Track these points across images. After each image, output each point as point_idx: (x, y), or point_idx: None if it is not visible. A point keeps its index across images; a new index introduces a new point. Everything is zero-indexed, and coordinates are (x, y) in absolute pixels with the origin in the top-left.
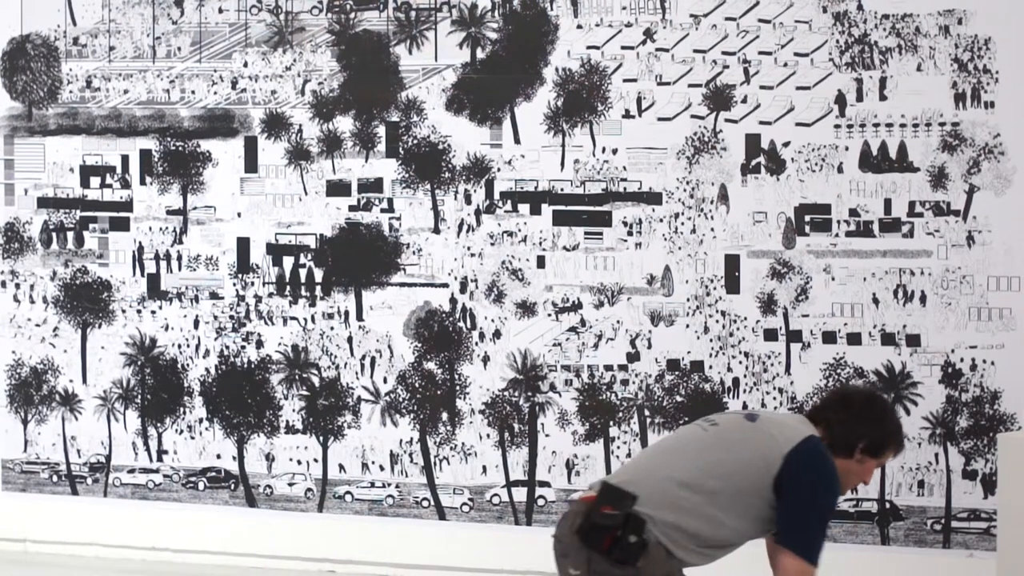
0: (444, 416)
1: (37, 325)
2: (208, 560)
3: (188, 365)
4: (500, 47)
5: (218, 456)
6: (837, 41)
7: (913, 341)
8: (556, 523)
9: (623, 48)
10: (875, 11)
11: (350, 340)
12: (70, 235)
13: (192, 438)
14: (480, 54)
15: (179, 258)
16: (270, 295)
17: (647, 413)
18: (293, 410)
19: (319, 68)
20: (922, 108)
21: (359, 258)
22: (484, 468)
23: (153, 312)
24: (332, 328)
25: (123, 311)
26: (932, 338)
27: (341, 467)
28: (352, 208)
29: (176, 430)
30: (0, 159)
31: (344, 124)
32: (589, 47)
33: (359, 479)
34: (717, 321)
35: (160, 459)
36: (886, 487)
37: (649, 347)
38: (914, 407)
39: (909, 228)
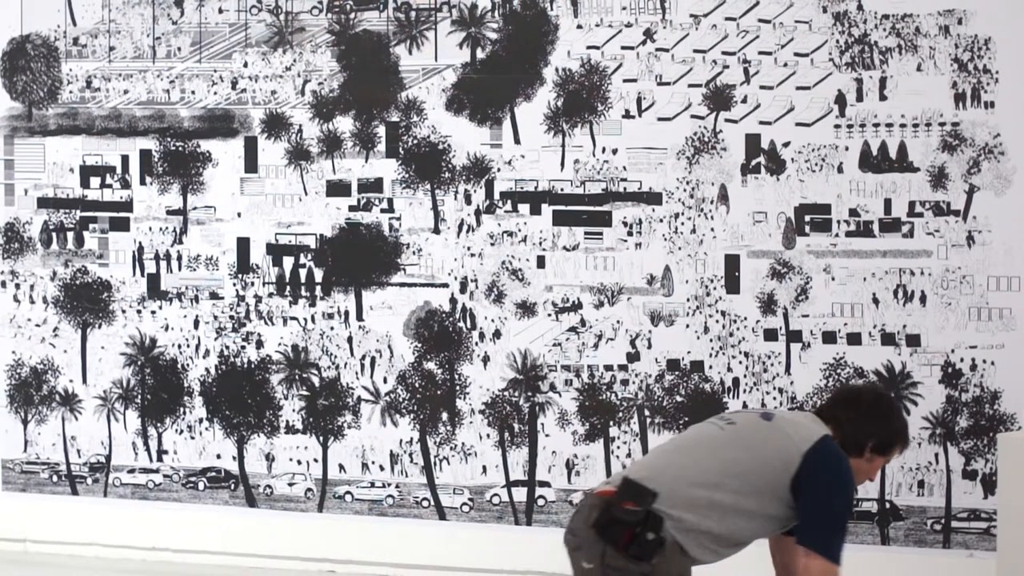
0: (444, 416)
1: (37, 325)
2: (208, 560)
3: (188, 365)
4: (500, 47)
5: (218, 456)
6: (837, 41)
7: (913, 341)
8: (569, 516)
9: (623, 48)
10: (875, 11)
11: (350, 340)
12: (70, 235)
13: (192, 438)
14: (480, 54)
15: (179, 258)
16: (270, 295)
17: (647, 413)
18: (293, 410)
19: (319, 68)
20: (922, 108)
21: (359, 258)
22: (484, 468)
23: (153, 312)
24: (332, 328)
25: (123, 311)
26: (932, 338)
27: (341, 467)
28: (352, 208)
29: (176, 430)
30: (0, 159)
31: (344, 124)
32: (589, 47)
33: (359, 479)
34: (717, 321)
35: (160, 459)
36: (886, 487)
37: (649, 347)
38: (914, 407)
39: (909, 228)
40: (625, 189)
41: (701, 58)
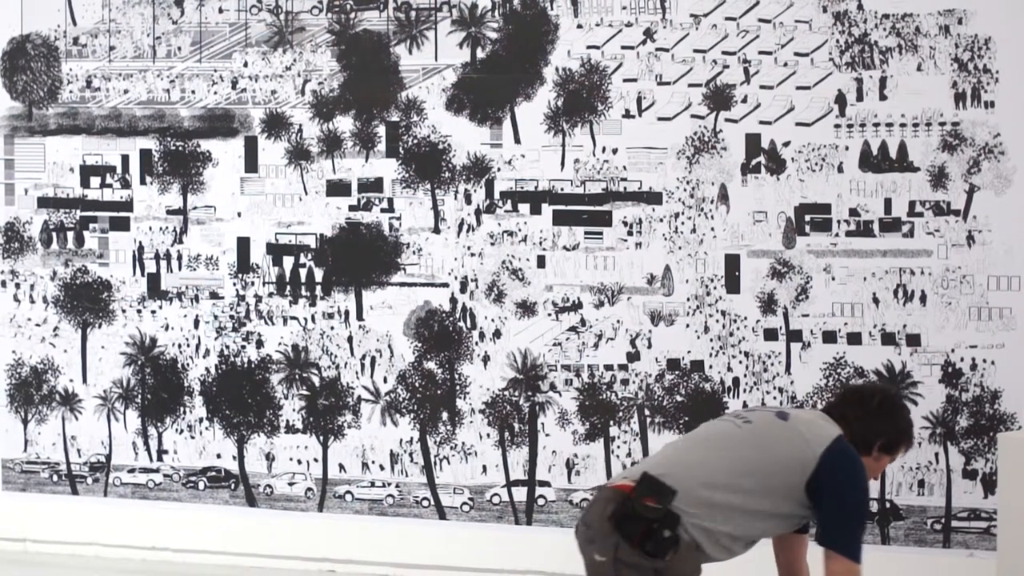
0: (444, 416)
1: (37, 325)
2: (208, 560)
3: (188, 365)
4: (500, 47)
5: (218, 456)
6: (837, 41)
7: (913, 341)
8: (583, 508)
9: (623, 48)
10: (875, 11)
11: (350, 340)
12: (70, 235)
13: (192, 438)
14: (480, 54)
15: (179, 258)
16: (270, 295)
17: (647, 413)
18: (293, 410)
19: (319, 68)
20: (922, 108)
21: (359, 258)
22: (484, 468)
23: (153, 312)
24: (332, 328)
25: (123, 311)
26: (932, 338)
27: (341, 467)
28: (352, 208)
29: (176, 430)
30: (0, 159)
31: (344, 124)
32: (589, 47)
33: (359, 479)
34: (717, 321)
35: (160, 459)
36: (886, 487)
37: (649, 347)
38: (914, 407)
39: (909, 228)
40: (625, 189)
41: (701, 58)
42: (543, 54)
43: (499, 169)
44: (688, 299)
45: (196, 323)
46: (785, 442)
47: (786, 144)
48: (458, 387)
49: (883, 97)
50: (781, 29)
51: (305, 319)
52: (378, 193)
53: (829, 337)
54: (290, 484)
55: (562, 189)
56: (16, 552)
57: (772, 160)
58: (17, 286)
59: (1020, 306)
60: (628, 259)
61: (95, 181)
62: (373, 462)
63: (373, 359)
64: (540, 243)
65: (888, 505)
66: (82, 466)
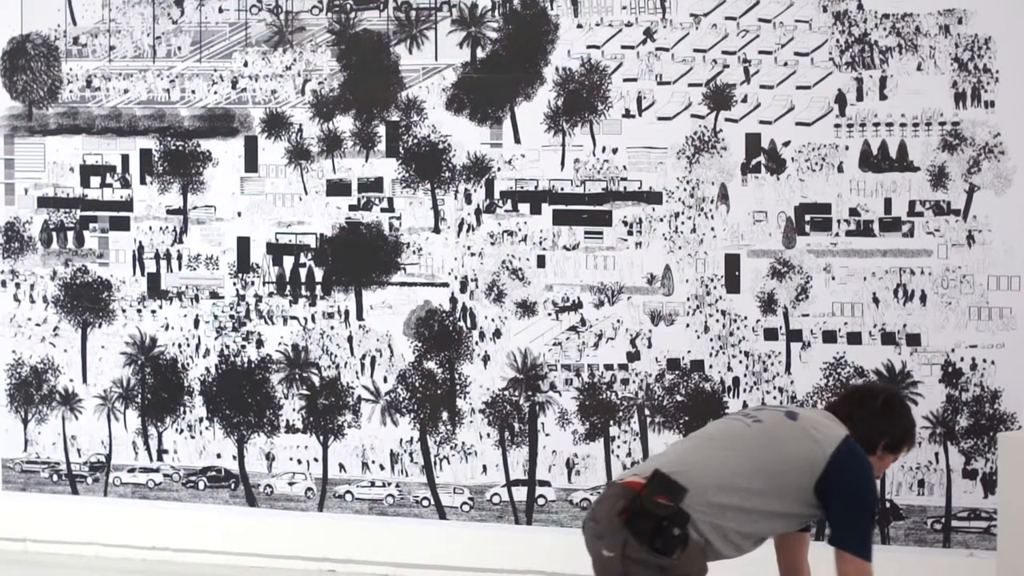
0: (444, 415)
1: (37, 324)
2: (208, 560)
3: (188, 364)
4: (500, 47)
5: (218, 455)
6: (837, 40)
7: (913, 340)
8: (592, 505)
9: (623, 47)
10: (875, 10)
11: (350, 339)
12: (70, 235)
13: (192, 437)
14: (480, 54)
15: (179, 257)
16: (270, 294)
17: (647, 412)
18: (293, 409)
19: (319, 68)
20: (922, 108)
21: (359, 258)
22: (484, 467)
23: (153, 312)
24: (332, 327)
25: (123, 311)
26: (932, 337)
27: (341, 466)
28: (352, 208)
29: (176, 429)
30: (0, 159)
31: (344, 124)
32: (589, 46)
33: (359, 478)
34: (717, 320)
35: (160, 459)
36: (886, 486)
37: (649, 346)
38: (914, 406)
39: (909, 227)
40: (625, 188)
41: (701, 57)
42: (543, 54)
43: (499, 169)
44: (688, 299)
45: (196, 323)
46: (794, 442)
47: (786, 144)
48: (458, 387)
49: (883, 97)
50: (781, 29)
51: (305, 319)
52: (378, 193)
53: (829, 337)
54: (290, 484)
55: (562, 189)
56: (16, 552)
57: (772, 160)
58: (17, 286)
59: (1020, 306)
60: (628, 259)
61: (95, 181)
62: (373, 462)
63: (373, 359)
64: (540, 243)
65: (888, 505)
66: (82, 466)
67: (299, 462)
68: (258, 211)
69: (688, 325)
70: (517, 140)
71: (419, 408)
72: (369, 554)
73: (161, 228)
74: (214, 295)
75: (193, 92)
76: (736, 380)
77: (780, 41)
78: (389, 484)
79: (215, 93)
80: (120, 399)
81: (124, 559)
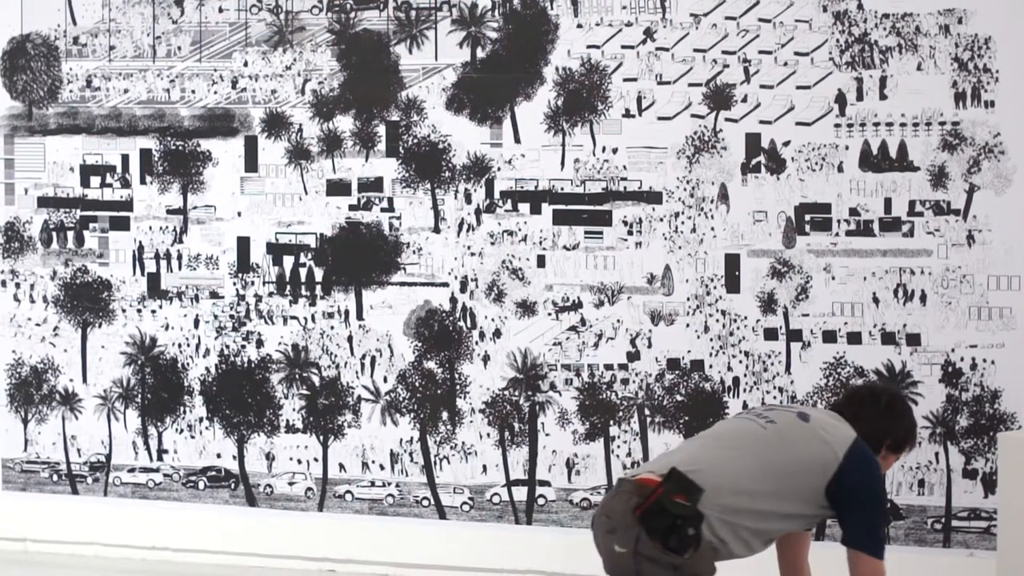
0: (444, 415)
1: (37, 324)
2: (208, 560)
3: (188, 364)
4: (500, 46)
5: (218, 455)
6: (837, 40)
7: (913, 340)
8: (603, 499)
9: (623, 47)
10: (875, 10)
11: (350, 339)
12: (70, 234)
13: (192, 437)
14: (480, 53)
15: (179, 257)
16: (270, 294)
17: (647, 412)
18: (293, 409)
19: (319, 67)
20: (922, 107)
21: (359, 257)
22: (484, 467)
23: (153, 311)
24: (332, 327)
25: (123, 310)
26: (932, 337)
27: (341, 466)
28: (352, 207)
29: (176, 429)
30: (0, 159)
31: (344, 123)
32: (589, 46)
33: (359, 478)
34: (717, 320)
35: (160, 458)
36: (886, 486)
37: (649, 346)
38: (914, 406)
39: (909, 227)
40: (625, 188)
41: (701, 57)
42: (543, 54)
43: (499, 169)
44: (688, 299)
45: (196, 323)
46: (805, 444)
47: (786, 144)
48: (458, 387)
49: (883, 97)
50: (781, 29)
51: (305, 319)
52: (378, 193)
53: (829, 337)
54: (290, 484)
55: (562, 189)
56: (16, 552)
57: (772, 160)
58: (17, 286)
59: (1020, 306)
60: (628, 259)
61: (95, 181)
62: (373, 462)
63: (373, 359)
64: (540, 243)
65: (888, 505)
66: (82, 466)
67: (299, 462)
68: (258, 211)
69: (688, 325)
70: (517, 140)
71: (419, 408)
72: (369, 554)
73: (161, 228)
74: (214, 295)
75: (193, 92)
76: (736, 380)
77: (780, 41)
78: (389, 484)
79: (215, 93)
80: (120, 399)
81: (124, 559)
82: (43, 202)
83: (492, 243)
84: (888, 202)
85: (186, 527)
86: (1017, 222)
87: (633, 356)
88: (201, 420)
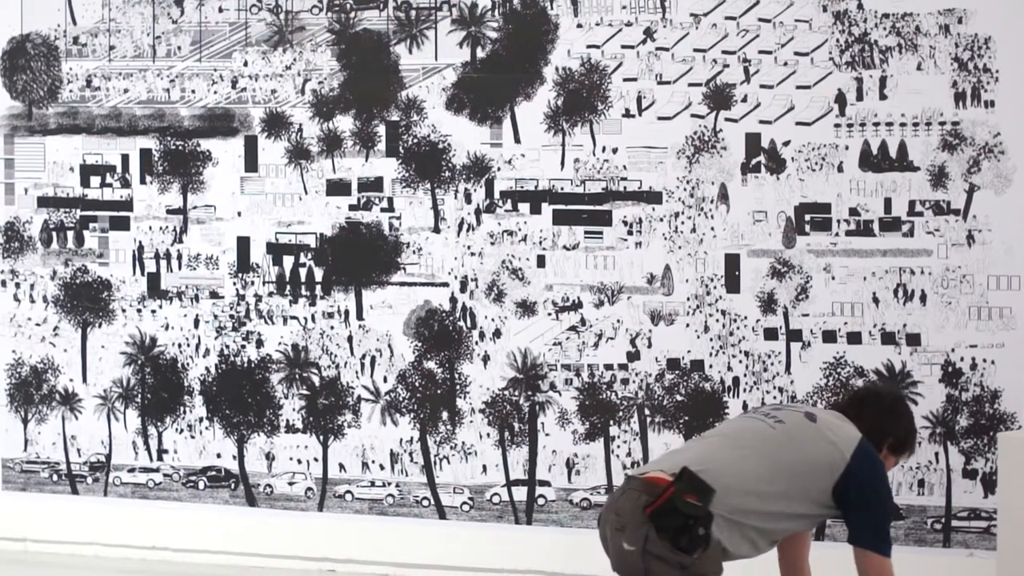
0: (444, 415)
1: (37, 324)
2: (208, 560)
3: (188, 364)
4: (500, 46)
5: (218, 455)
6: (837, 40)
7: (913, 340)
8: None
9: (623, 47)
10: (875, 10)
11: (350, 339)
12: (70, 234)
13: (192, 437)
14: (480, 53)
15: (179, 257)
16: (270, 294)
17: (647, 412)
18: (293, 409)
19: (319, 67)
20: (922, 107)
21: (359, 257)
22: (484, 467)
23: (153, 311)
24: (332, 327)
25: (123, 310)
26: (932, 337)
27: (341, 466)
28: (352, 207)
29: (176, 429)
30: (0, 158)
31: (344, 123)
32: (589, 46)
33: (359, 478)
34: (717, 320)
35: (160, 458)
36: None
37: (649, 346)
38: (914, 406)
39: (909, 227)
40: (625, 188)
41: (701, 57)
42: (543, 54)
43: (499, 169)
44: (688, 299)
45: (196, 323)
46: (812, 444)
47: (786, 144)
48: (458, 387)
49: (883, 97)
50: (781, 29)
51: (305, 319)
52: (378, 193)
53: (829, 337)
54: (290, 484)
55: (562, 189)
56: (16, 552)
57: (772, 160)
58: (17, 286)
59: (1020, 306)
60: (628, 259)
61: (95, 180)
62: (373, 462)
63: (373, 359)
64: (540, 243)
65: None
66: (82, 466)
67: (299, 462)
68: (258, 211)
69: (688, 325)
70: (517, 140)
71: (419, 408)
72: (369, 554)
73: (161, 228)
74: (214, 295)
75: (193, 92)
76: (736, 380)
77: (780, 41)
78: (389, 484)
79: (215, 93)
80: (120, 399)
81: (124, 559)
82: (43, 202)
83: (492, 243)
84: (888, 202)
85: (186, 527)
86: (1017, 222)
87: (633, 356)
88: (201, 420)
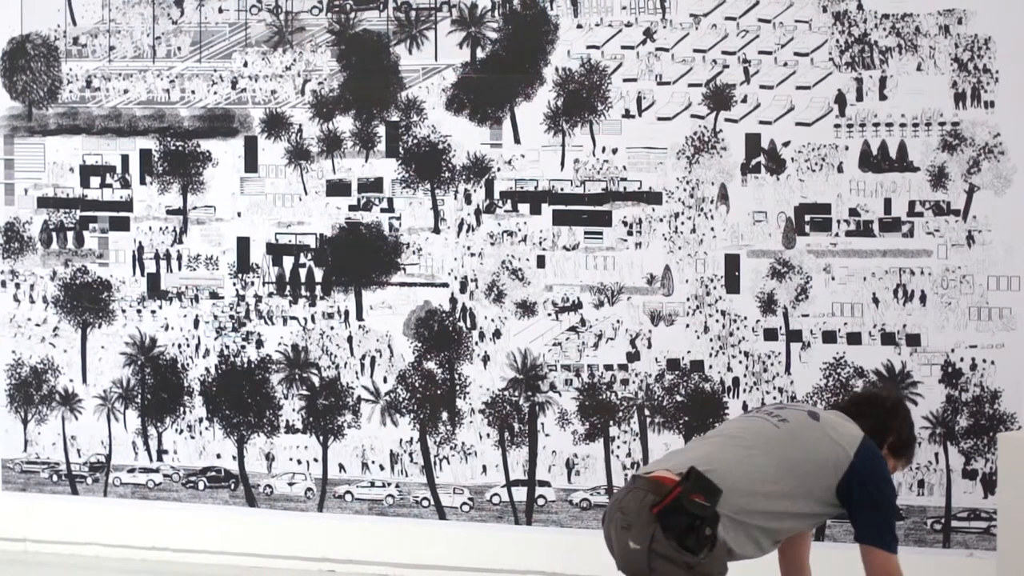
0: (444, 416)
1: (37, 325)
2: (208, 560)
3: (188, 365)
4: (500, 47)
5: (218, 456)
6: (837, 41)
7: (913, 341)
8: (617, 495)
9: (623, 48)
10: (875, 11)
11: (350, 340)
12: (70, 235)
13: (192, 438)
14: (480, 54)
15: (179, 258)
16: (270, 295)
17: (647, 413)
18: (293, 410)
19: (319, 68)
20: (922, 108)
21: (359, 258)
22: (484, 468)
23: (153, 312)
24: (332, 328)
25: (123, 311)
26: (932, 338)
27: (341, 467)
28: (352, 208)
29: (176, 430)
30: (0, 159)
31: (344, 124)
32: (589, 47)
33: (359, 479)
34: (717, 321)
35: (160, 459)
36: None
37: (649, 347)
38: (914, 407)
39: (909, 228)
40: (625, 189)
41: (701, 58)
42: (543, 54)
43: (499, 169)
44: (688, 299)
45: (196, 323)
46: (816, 443)
47: (786, 144)
48: (458, 387)
49: (883, 97)
50: (781, 29)
51: (305, 319)
52: (378, 193)
53: (829, 337)
54: (290, 484)
55: (562, 189)
56: (16, 552)
57: (772, 160)
58: (17, 286)
59: (1020, 306)
60: (628, 259)
61: (95, 181)
62: (373, 462)
63: (373, 359)
64: (540, 243)
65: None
66: (82, 466)
67: (299, 462)
68: (258, 211)
69: (688, 325)
70: (517, 140)
71: (419, 408)
72: (369, 554)
73: (161, 228)
74: (214, 295)
75: (193, 92)
76: (736, 380)
77: (780, 41)
78: (389, 484)
79: (215, 93)
80: (120, 399)
81: (124, 559)
82: (43, 202)
83: (492, 243)
84: (888, 202)
85: (186, 527)
86: (1017, 222)
87: (633, 356)
88: (201, 420)
